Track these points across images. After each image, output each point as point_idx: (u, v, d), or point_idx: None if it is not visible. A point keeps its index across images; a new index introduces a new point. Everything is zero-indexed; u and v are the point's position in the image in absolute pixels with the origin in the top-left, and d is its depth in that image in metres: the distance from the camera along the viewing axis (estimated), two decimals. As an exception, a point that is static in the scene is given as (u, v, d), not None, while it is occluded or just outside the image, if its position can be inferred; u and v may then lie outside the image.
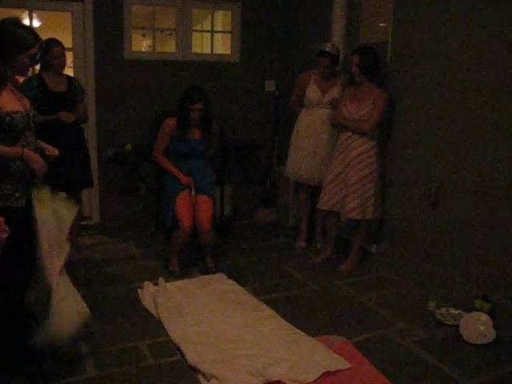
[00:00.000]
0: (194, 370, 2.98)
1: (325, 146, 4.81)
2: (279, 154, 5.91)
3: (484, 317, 3.46)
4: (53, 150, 2.96)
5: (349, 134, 4.40)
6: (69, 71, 4.69)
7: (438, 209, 4.12)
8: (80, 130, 4.46)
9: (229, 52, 6.04)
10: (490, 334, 3.35)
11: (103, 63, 5.32)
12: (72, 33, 5.28)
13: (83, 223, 5.10)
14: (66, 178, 4.29)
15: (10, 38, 2.62)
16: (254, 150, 6.02)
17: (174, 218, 4.25)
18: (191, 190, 4.31)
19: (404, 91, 4.38)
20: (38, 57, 2.77)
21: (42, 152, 2.85)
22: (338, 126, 4.54)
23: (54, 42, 4.19)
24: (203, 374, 2.91)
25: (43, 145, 2.95)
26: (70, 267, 4.35)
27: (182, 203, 4.23)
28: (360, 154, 4.36)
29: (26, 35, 2.67)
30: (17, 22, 2.74)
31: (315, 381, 2.84)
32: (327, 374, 2.91)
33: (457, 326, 3.47)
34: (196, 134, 4.34)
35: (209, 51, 6.07)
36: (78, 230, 4.72)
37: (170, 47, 5.94)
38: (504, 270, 3.62)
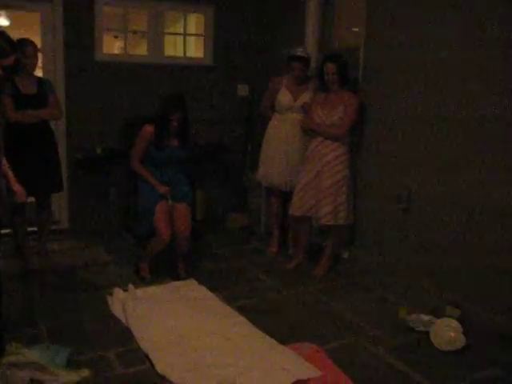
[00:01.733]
0: (164, 379, 2.93)
1: (296, 151, 4.80)
2: (251, 159, 5.89)
3: (454, 323, 3.47)
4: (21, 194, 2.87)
5: (320, 139, 4.40)
6: (38, 72, 4.59)
7: (409, 215, 4.14)
8: (51, 133, 4.37)
9: (202, 55, 6.00)
10: (460, 341, 3.36)
11: (74, 65, 5.23)
12: (41, 33, 5.18)
13: (52, 228, 5.00)
14: (37, 182, 4.22)
15: None
16: (226, 154, 5.98)
17: (151, 227, 4.18)
18: (167, 199, 4.25)
19: (376, 97, 4.40)
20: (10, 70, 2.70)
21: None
22: (309, 131, 4.54)
23: (26, 42, 4.10)
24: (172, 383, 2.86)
25: (9, 176, 2.86)
26: (37, 273, 4.33)
27: (161, 213, 4.16)
28: (332, 159, 4.36)
29: (3, 45, 2.61)
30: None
31: (286, 389, 2.82)
32: (298, 382, 2.88)
33: (427, 333, 3.48)
34: (174, 141, 4.28)
35: (181, 54, 6.02)
36: (46, 235, 4.63)
37: (142, 49, 5.87)
38: (474, 277, 3.66)
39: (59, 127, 5.11)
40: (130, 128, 4.80)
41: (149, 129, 4.21)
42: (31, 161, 4.13)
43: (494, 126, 3.46)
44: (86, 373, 2.94)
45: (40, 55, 4.56)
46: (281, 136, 4.82)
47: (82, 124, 5.35)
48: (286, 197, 4.99)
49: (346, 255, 4.82)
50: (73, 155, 5.33)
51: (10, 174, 3.07)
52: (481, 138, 3.55)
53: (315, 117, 4.44)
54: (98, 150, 5.32)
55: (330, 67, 4.30)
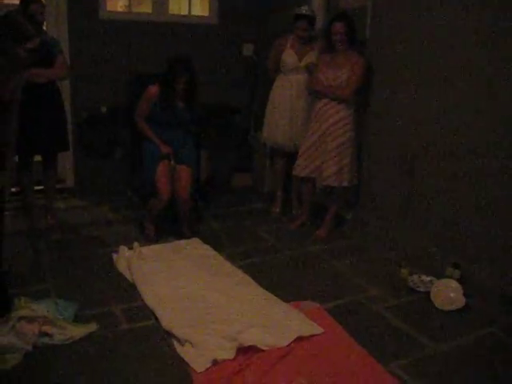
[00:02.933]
0: (169, 334, 3.00)
1: (301, 112, 4.79)
2: (256, 120, 5.87)
3: (454, 283, 3.53)
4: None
5: (326, 100, 4.38)
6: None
7: (412, 177, 4.16)
8: (57, 91, 4.35)
9: (207, 14, 5.93)
10: (460, 301, 3.42)
11: (77, 23, 5.17)
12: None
13: (58, 186, 5.03)
14: (43, 141, 4.23)
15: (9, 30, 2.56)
16: (230, 114, 5.96)
17: (153, 185, 4.21)
18: (170, 160, 4.26)
19: (383, 58, 4.36)
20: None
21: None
22: (314, 92, 4.52)
23: None
24: (177, 339, 2.93)
25: None
26: (44, 230, 4.38)
27: (162, 172, 4.18)
28: (337, 121, 4.35)
29: (28, 27, 2.60)
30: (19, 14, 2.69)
31: (288, 345, 2.88)
32: (300, 338, 2.95)
33: (428, 293, 3.53)
34: (180, 103, 4.26)
35: (186, 12, 5.95)
36: (53, 193, 4.67)
37: (146, 7, 5.80)
38: (474, 239, 3.70)
39: (64, 86, 5.08)
40: (135, 87, 4.77)
41: (153, 90, 4.19)
42: (38, 120, 4.13)
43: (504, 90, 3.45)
44: (93, 327, 3.02)
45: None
46: (286, 97, 4.80)
47: (87, 83, 5.32)
48: (290, 157, 4.99)
49: (349, 216, 4.85)
50: (78, 114, 5.33)
51: None
52: (487, 99, 3.54)
53: (321, 77, 4.41)
54: (103, 109, 5.31)
55: (338, 26, 4.24)
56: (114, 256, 3.99)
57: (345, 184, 4.44)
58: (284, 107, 4.82)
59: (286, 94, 4.80)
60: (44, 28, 4.42)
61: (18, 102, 3.10)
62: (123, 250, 4.02)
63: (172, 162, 4.24)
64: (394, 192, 4.38)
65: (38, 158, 4.50)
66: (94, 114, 5.32)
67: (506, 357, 2.94)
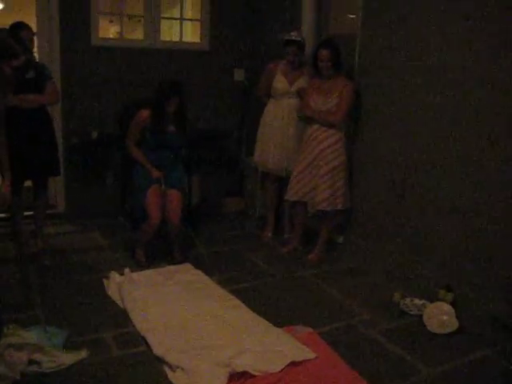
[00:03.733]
0: (160, 360, 2.97)
1: (292, 136, 4.81)
2: (247, 144, 5.90)
3: (447, 307, 3.53)
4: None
5: (317, 126, 4.41)
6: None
7: (403, 201, 4.17)
8: (48, 117, 4.35)
9: (198, 40, 5.98)
10: (453, 324, 3.42)
11: (69, 49, 5.20)
12: (36, 17, 5.15)
13: (48, 212, 5.00)
14: (34, 165, 4.22)
15: None
16: (222, 139, 5.98)
17: (143, 210, 4.20)
18: (161, 184, 4.26)
19: (372, 84, 4.41)
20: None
21: None
22: (305, 118, 4.55)
23: (21, 25, 4.07)
24: (169, 365, 2.90)
25: None
26: (34, 256, 4.34)
27: (152, 197, 4.18)
28: (329, 145, 4.37)
29: (14, 45, 2.62)
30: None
31: (281, 371, 2.85)
32: (293, 364, 2.92)
33: (421, 316, 3.53)
34: (170, 126, 4.28)
35: (178, 39, 6.00)
36: (43, 218, 4.64)
37: (138, 34, 5.84)
38: (466, 261, 3.69)
39: (55, 112, 5.10)
40: (126, 113, 4.79)
41: (144, 114, 4.21)
42: (29, 145, 4.13)
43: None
44: (83, 354, 2.98)
45: (35, 39, 4.53)
46: (277, 121, 4.83)
47: (78, 109, 5.34)
48: (281, 182, 5.01)
49: (340, 240, 4.85)
50: (69, 140, 5.33)
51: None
52: (477, 129, 3.57)
53: (311, 103, 4.45)
54: (94, 135, 5.32)
55: (324, 54, 4.29)
56: (105, 282, 3.96)
57: (338, 207, 4.45)
58: (275, 132, 4.84)
59: (277, 119, 4.83)
60: (35, 55, 4.44)
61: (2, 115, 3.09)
62: (114, 275, 3.99)
63: (162, 187, 4.24)
64: (385, 216, 4.38)
65: (28, 183, 4.48)
66: (85, 140, 5.31)
67: (500, 380, 2.93)
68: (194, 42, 6.05)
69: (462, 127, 3.65)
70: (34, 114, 4.13)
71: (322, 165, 4.39)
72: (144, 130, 4.23)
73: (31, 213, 4.64)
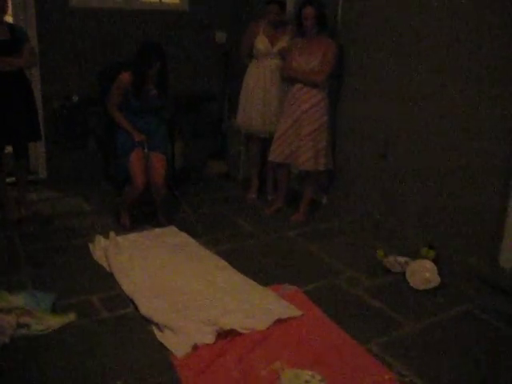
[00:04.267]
0: (148, 321, 3.00)
1: (274, 97, 4.78)
2: (230, 107, 5.86)
3: (429, 264, 3.59)
4: None
5: (299, 86, 4.39)
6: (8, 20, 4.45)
7: (387, 160, 4.20)
8: (27, 81, 4.27)
9: (177, 0, 5.87)
10: (435, 280, 3.48)
11: (45, 11, 5.08)
12: (11, -23, 5.01)
13: (30, 178, 4.96)
14: (14, 130, 4.16)
15: None
16: (204, 102, 5.93)
17: (127, 174, 4.19)
18: (144, 147, 4.24)
19: (354, 42, 4.39)
20: None
21: None
22: (288, 78, 4.52)
23: None
24: (157, 325, 2.93)
25: None
26: (18, 223, 4.32)
27: (136, 160, 4.15)
28: (311, 106, 4.36)
29: None
30: None
31: (268, 328, 2.91)
32: (279, 321, 2.98)
33: (403, 274, 3.59)
34: (152, 89, 4.22)
35: (157, 0, 5.88)
36: (25, 184, 4.60)
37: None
38: (448, 219, 3.76)
39: (34, 75, 5.01)
40: (106, 75, 4.71)
41: (126, 76, 4.15)
42: (7, 109, 4.06)
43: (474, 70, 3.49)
44: (71, 317, 3.00)
45: (9, 1, 4.41)
46: (259, 82, 4.79)
47: (57, 72, 5.24)
48: (264, 143, 5.00)
49: (324, 201, 4.89)
50: (49, 104, 5.25)
51: None
52: (463, 83, 3.59)
53: (294, 63, 4.41)
54: (75, 99, 5.24)
55: (309, 11, 4.23)
56: (90, 246, 3.96)
57: (321, 168, 4.47)
58: (258, 93, 4.81)
59: (259, 80, 4.79)
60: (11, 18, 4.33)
61: None
62: (99, 239, 3.99)
63: (145, 150, 4.22)
64: (368, 175, 4.42)
65: (8, 149, 4.43)
66: (66, 104, 5.24)
67: (481, 333, 3.01)
68: (174, 3, 5.93)
69: (445, 87, 3.66)
70: (11, 77, 4.05)
71: (305, 125, 4.38)
72: (125, 93, 4.18)
73: (13, 179, 4.61)
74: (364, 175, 4.46)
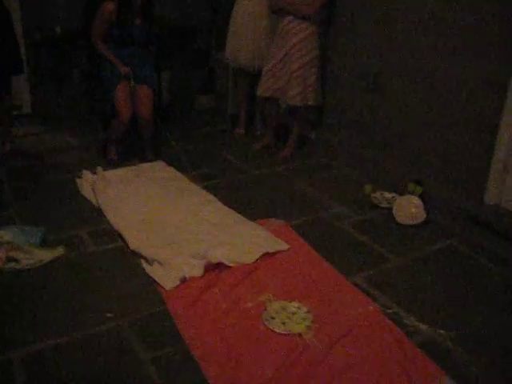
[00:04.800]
0: (137, 254, 3.03)
1: (263, 30, 4.67)
2: (218, 40, 5.72)
3: (416, 200, 3.61)
4: None
5: (289, 18, 4.27)
6: None
7: (376, 95, 4.16)
8: (5, 11, 4.12)
9: None
10: (421, 216, 3.52)
11: None
12: None
13: (15, 113, 4.87)
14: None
15: None
16: (192, 35, 5.79)
17: (113, 107, 4.12)
18: (130, 80, 4.15)
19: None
20: None
21: None
22: (278, 10, 4.39)
23: None
24: (146, 259, 2.97)
25: None
26: (4, 158, 4.28)
27: (121, 94, 4.08)
28: (301, 40, 4.27)
29: None
30: None
31: (255, 261, 2.95)
32: (267, 255, 3.02)
33: (390, 209, 3.62)
34: (137, 20, 4.10)
35: None
36: (9, 118, 4.52)
37: None
38: (436, 156, 3.76)
39: (12, 5, 4.83)
40: (91, 5, 4.57)
41: (109, 6, 4.01)
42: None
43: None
44: (60, 250, 3.02)
45: None
46: (248, 15, 4.66)
47: (38, 2, 5.06)
48: (253, 78, 4.92)
49: (312, 136, 4.87)
50: (31, 36, 5.09)
51: None
52: (447, 25, 3.52)
53: (285, -5, 4.29)
54: (58, 30, 5.09)
55: None
56: (78, 181, 3.95)
57: (310, 103, 4.42)
58: (246, 25, 4.69)
59: (248, 12, 4.66)
60: None
61: None
62: (87, 174, 3.98)
63: (132, 83, 4.14)
64: (357, 111, 4.39)
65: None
66: (48, 35, 5.09)
67: (464, 268, 3.07)
68: None
69: (440, 25, 3.59)
70: None
71: (294, 60, 4.30)
72: (110, 24, 4.05)
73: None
74: (353, 110, 4.43)
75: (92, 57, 4.51)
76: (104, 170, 4.06)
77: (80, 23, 4.91)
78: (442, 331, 2.51)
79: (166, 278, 2.79)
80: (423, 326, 2.54)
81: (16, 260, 2.88)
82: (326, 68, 4.57)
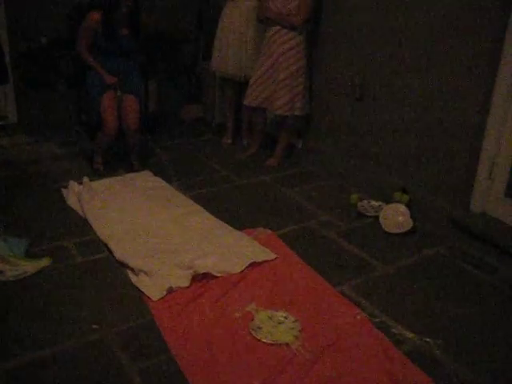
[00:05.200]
0: (123, 265, 3.01)
1: (250, 39, 4.68)
2: (205, 49, 5.72)
3: (402, 208, 3.63)
4: None
5: (276, 28, 4.29)
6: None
7: (361, 104, 4.18)
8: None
9: None
10: (408, 224, 3.53)
11: None
12: None
13: (0, 123, 4.84)
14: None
15: None
16: (179, 44, 5.78)
17: (99, 117, 4.10)
18: (116, 90, 4.14)
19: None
20: None
21: None
22: (265, 20, 4.41)
23: None
24: (132, 269, 2.94)
25: None
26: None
27: (107, 104, 4.06)
28: (288, 49, 4.29)
29: None
30: None
31: (242, 271, 2.94)
32: (254, 264, 3.01)
33: (377, 218, 3.63)
34: (123, 29, 4.09)
35: None
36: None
37: None
38: (421, 164, 3.78)
39: (-1, 17, 4.82)
40: (76, 15, 4.56)
41: (95, 16, 4.00)
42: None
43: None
44: (46, 262, 2.99)
45: None
46: (234, 24, 4.67)
47: (24, 12, 5.04)
48: (240, 87, 4.93)
49: (299, 145, 4.88)
50: (16, 46, 5.07)
51: None
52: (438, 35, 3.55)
53: (271, 5, 4.30)
54: (43, 40, 5.07)
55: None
56: (64, 191, 3.92)
57: (297, 113, 4.44)
58: (233, 35, 4.70)
59: (235, 22, 4.67)
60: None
61: None
62: (73, 184, 3.95)
63: (118, 93, 4.13)
64: (343, 120, 4.40)
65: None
66: (34, 46, 5.06)
67: (451, 274, 3.08)
68: None
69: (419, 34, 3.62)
70: None
71: (282, 69, 4.32)
72: (95, 33, 4.04)
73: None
74: (339, 120, 4.44)
75: (78, 67, 4.49)
76: (90, 180, 4.03)
77: (65, 33, 4.90)
78: (429, 339, 2.51)
79: (153, 289, 2.77)
80: (411, 335, 2.54)
81: (1, 272, 2.85)
82: (313, 77, 4.58)
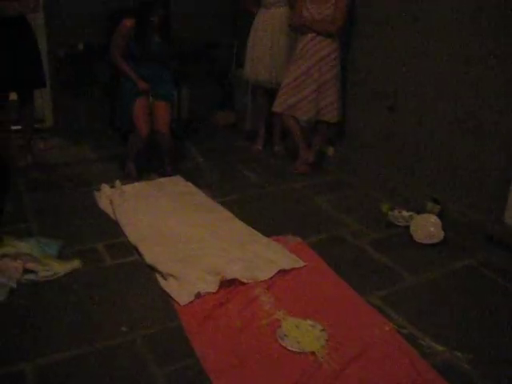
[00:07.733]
0: (152, 269, 3.03)
1: (283, 47, 4.69)
2: (238, 56, 5.76)
3: (434, 218, 3.58)
4: None
5: (312, 35, 4.28)
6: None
7: (395, 114, 4.15)
8: (28, 26, 4.19)
9: None
10: (439, 235, 3.48)
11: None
12: None
13: (37, 126, 4.94)
14: (18, 77, 4.12)
15: None
16: (211, 51, 5.83)
17: (131, 122, 4.16)
18: (149, 96, 4.19)
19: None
20: None
21: None
22: (297, 28, 4.41)
23: None
24: (161, 273, 2.97)
25: None
26: (23, 171, 4.33)
27: (140, 109, 4.12)
28: (324, 57, 4.28)
29: None
30: None
31: (270, 278, 2.94)
32: (282, 272, 3.00)
33: (408, 228, 3.59)
34: (155, 37, 4.14)
35: None
36: (31, 132, 4.58)
37: None
38: (454, 174, 3.73)
39: (38, 24, 4.91)
40: (112, 22, 4.63)
41: (128, 23, 4.05)
42: (10, 55, 4.01)
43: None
44: (77, 263, 3.03)
45: None
46: (267, 32, 4.68)
47: (63, 19, 5.15)
48: (272, 94, 4.93)
49: (330, 153, 4.85)
50: (54, 52, 5.17)
51: None
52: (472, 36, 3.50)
53: (304, 12, 4.30)
54: (81, 47, 5.17)
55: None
56: (96, 194, 3.98)
57: (330, 120, 4.43)
58: (265, 43, 4.71)
59: (267, 29, 4.68)
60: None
61: None
62: (105, 188, 4.00)
63: (150, 99, 4.18)
64: (375, 128, 4.37)
65: (14, 96, 4.40)
66: (72, 52, 5.16)
67: (483, 289, 3.02)
68: None
69: (455, 39, 3.58)
70: (13, 23, 3.98)
71: (316, 76, 4.31)
72: (128, 40, 4.10)
73: (19, 127, 4.60)
74: (371, 128, 4.42)
75: (113, 72, 4.56)
76: (122, 183, 4.08)
77: (102, 40, 4.97)
78: (458, 353, 2.47)
79: (181, 293, 2.79)
80: (439, 348, 2.51)
81: (33, 272, 2.90)
82: (346, 85, 4.57)
